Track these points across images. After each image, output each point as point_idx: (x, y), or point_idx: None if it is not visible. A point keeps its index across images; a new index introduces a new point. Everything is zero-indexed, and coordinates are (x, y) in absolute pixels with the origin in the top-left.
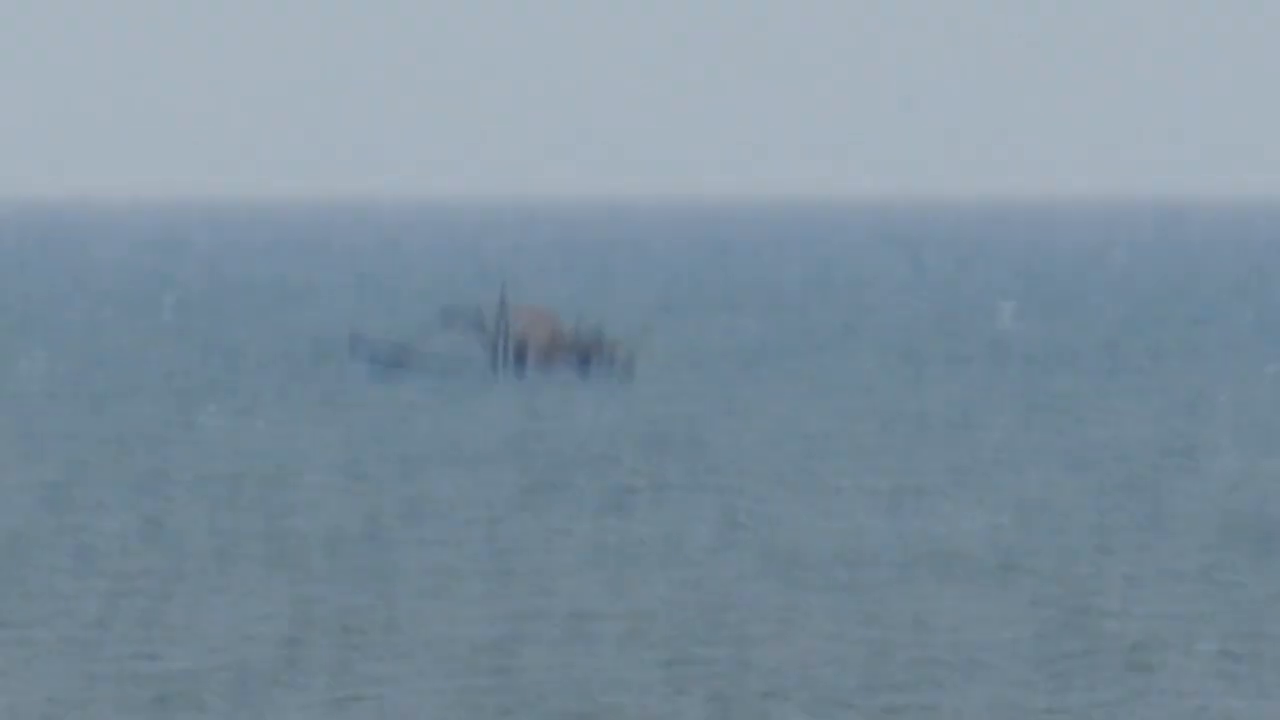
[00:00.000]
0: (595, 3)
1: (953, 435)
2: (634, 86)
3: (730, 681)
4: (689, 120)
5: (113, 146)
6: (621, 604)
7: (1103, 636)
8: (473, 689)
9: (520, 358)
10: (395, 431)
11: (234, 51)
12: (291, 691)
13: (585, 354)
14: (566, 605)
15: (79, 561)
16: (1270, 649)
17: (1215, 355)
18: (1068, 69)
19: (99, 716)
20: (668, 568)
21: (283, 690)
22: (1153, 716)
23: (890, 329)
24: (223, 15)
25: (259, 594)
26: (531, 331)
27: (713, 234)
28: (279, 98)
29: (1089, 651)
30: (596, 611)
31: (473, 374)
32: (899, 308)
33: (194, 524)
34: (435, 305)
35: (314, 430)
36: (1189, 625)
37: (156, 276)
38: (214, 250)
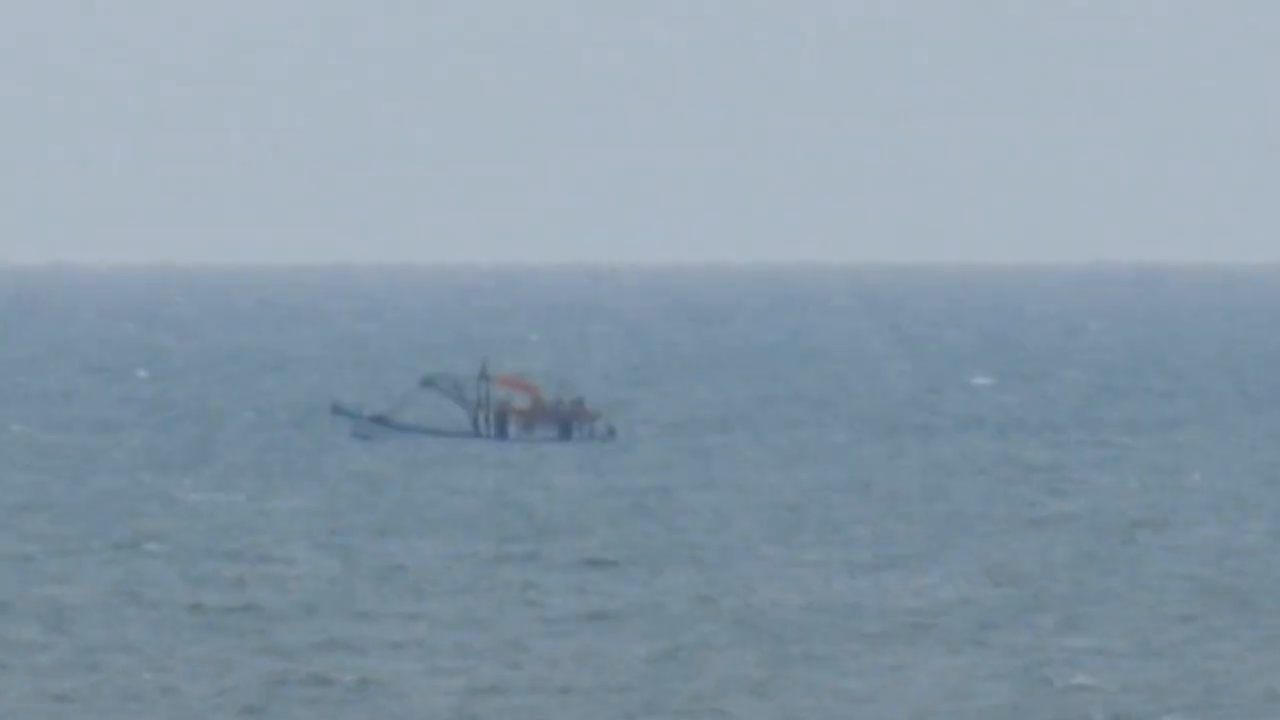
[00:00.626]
0: (574, 79)
1: (927, 505)
2: (614, 159)
3: None
4: (669, 189)
5: (92, 214)
6: (595, 669)
7: (1073, 704)
8: None
9: (501, 425)
10: (372, 499)
11: (217, 121)
12: None
13: (566, 422)
14: (539, 671)
15: (52, 631)
16: (1237, 717)
17: (1189, 426)
18: (1038, 137)
19: None
20: (642, 634)
21: None
22: None
23: (866, 398)
24: (201, 84)
25: (232, 660)
26: (512, 399)
27: (693, 300)
28: (262, 168)
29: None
30: (569, 678)
31: (453, 441)
32: (875, 376)
33: (168, 593)
34: (416, 372)
35: (292, 498)
36: (1157, 694)
37: (135, 345)
38: (193, 317)
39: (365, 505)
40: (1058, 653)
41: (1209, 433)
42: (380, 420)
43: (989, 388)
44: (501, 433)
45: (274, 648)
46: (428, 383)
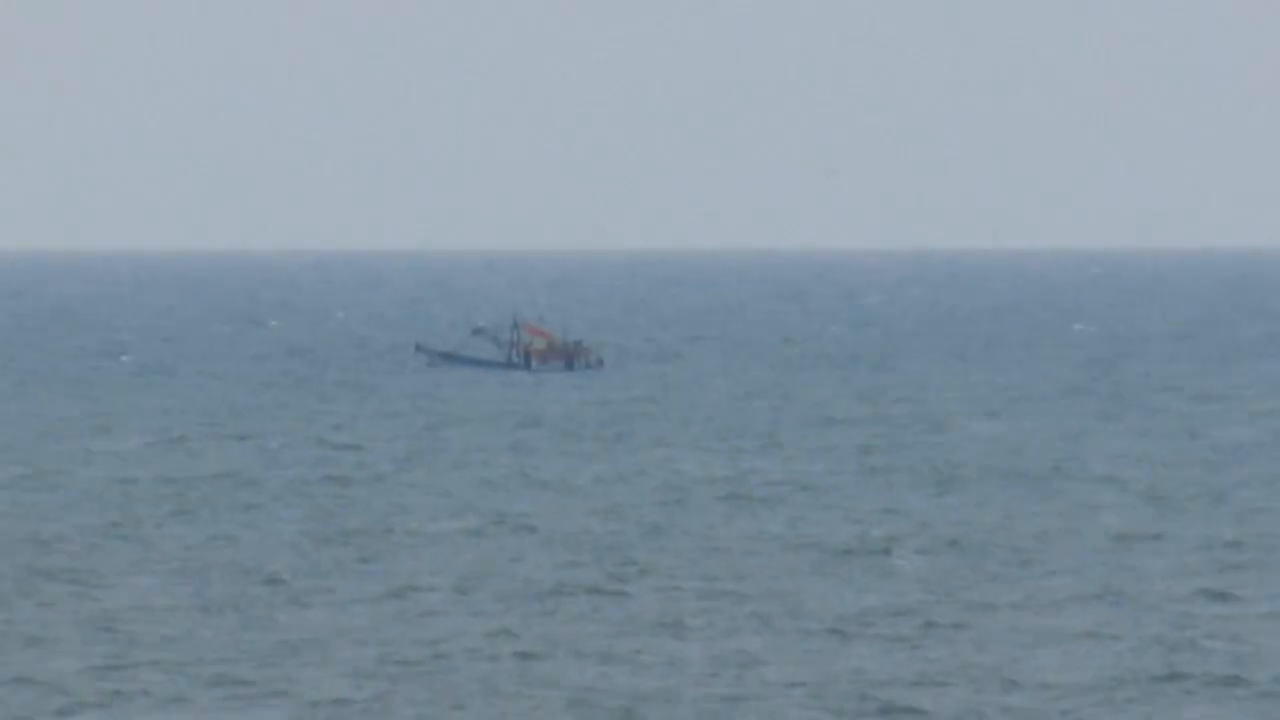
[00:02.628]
0: (544, 96)
1: (795, 409)
2: (588, 163)
3: (621, 564)
4: (628, 190)
5: (243, 205)
6: (559, 519)
7: (890, 540)
8: (448, 565)
9: (527, 359)
10: (434, 406)
11: (321, 118)
12: (329, 573)
13: (570, 357)
14: (524, 520)
15: (203, 494)
16: (1009, 553)
17: (973, 361)
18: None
19: (200, 595)
20: (592, 496)
21: (325, 575)
22: (870, 604)
23: (763, 341)
24: (280, 82)
25: (322, 514)
26: (534, 342)
27: (648, 276)
28: (359, 166)
29: (850, 550)
30: (545, 525)
31: (494, 370)
32: (768, 324)
33: (283, 470)
34: (468, 325)
35: (379, 405)
36: (946, 534)
37: (270, 304)
38: (308, 285)
39: (429, 410)
40: (881, 510)
41: (985, 366)
42: (447, 355)
43: (841, 334)
44: (526, 365)
45: (351, 506)
46: (476, 331)
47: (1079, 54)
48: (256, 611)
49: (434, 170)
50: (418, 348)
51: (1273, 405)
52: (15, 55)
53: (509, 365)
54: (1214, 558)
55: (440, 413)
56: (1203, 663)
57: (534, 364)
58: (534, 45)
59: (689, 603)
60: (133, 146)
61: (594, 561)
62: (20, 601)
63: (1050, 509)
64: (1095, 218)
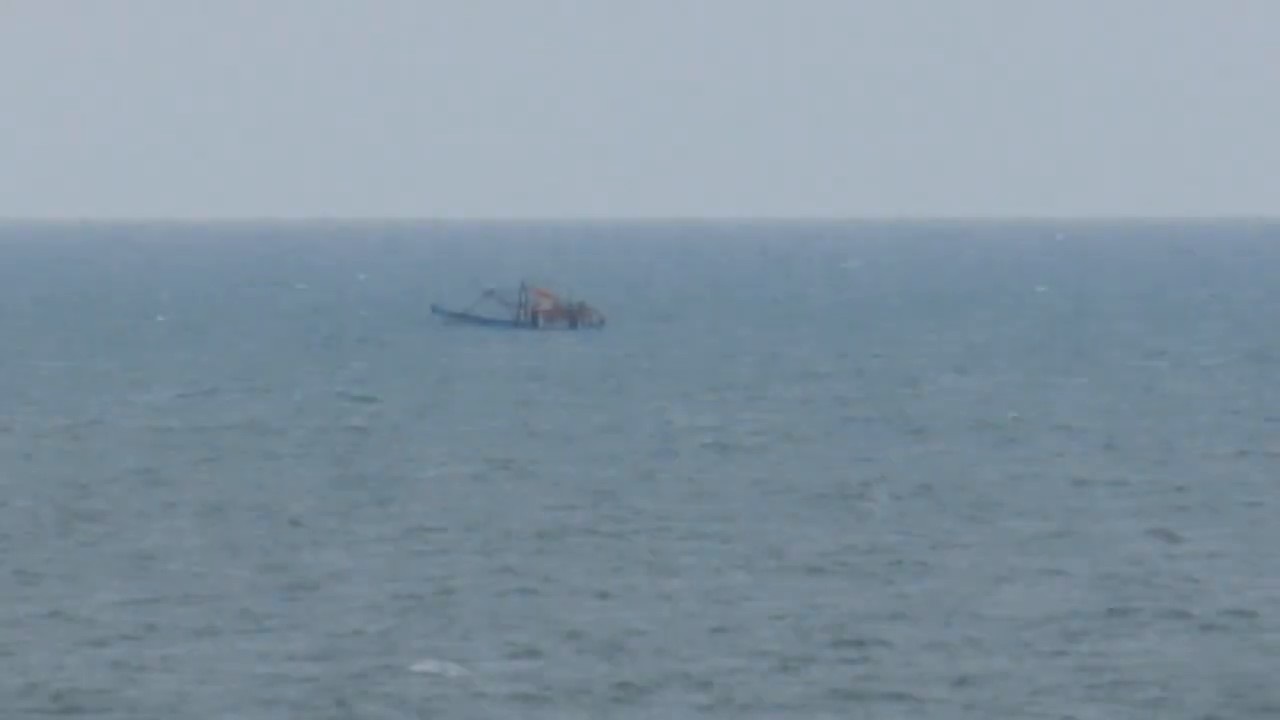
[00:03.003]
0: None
1: (771, 367)
2: (584, 142)
3: (616, 508)
4: (623, 165)
5: (279, 176)
6: (556, 464)
7: (857, 483)
8: (457, 508)
9: (534, 319)
10: (448, 360)
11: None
12: (347, 515)
13: (574, 318)
14: (526, 464)
15: (209, 437)
16: (970, 498)
17: (944, 320)
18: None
19: (227, 536)
20: (591, 444)
21: (343, 517)
22: (833, 545)
23: (744, 304)
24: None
25: (326, 459)
26: (540, 303)
27: (645, 243)
28: (385, 141)
29: (828, 494)
30: (542, 467)
31: (503, 329)
32: (746, 286)
33: (305, 418)
34: (480, 288)
35: (398, 361)
36: (890, 473)
37: (296, 267)
38: (331, 251)
39: (442, 365)
40: (856, 457)
41: (955, 325)
42: (461, 315)
43: (823, 296)
44: (534, 324)
45: (368, 454)
46: (488, 293)
47: (1059, 30)
48: (279, 551)
49: (447, 143)
50: (433, 308)
51: (1219, 361)
52: (53, 30)
53: (517, 324)
54: (1164, 501)
55: (452, 368)
56: (1153, 597)
57: (540, 323)
58: (539, 28)
59: (678, 543)
60: (162, 120)
61: (591, 505)
62: (60, 541)
63: (1013, 456)
64: (1060, 188)
